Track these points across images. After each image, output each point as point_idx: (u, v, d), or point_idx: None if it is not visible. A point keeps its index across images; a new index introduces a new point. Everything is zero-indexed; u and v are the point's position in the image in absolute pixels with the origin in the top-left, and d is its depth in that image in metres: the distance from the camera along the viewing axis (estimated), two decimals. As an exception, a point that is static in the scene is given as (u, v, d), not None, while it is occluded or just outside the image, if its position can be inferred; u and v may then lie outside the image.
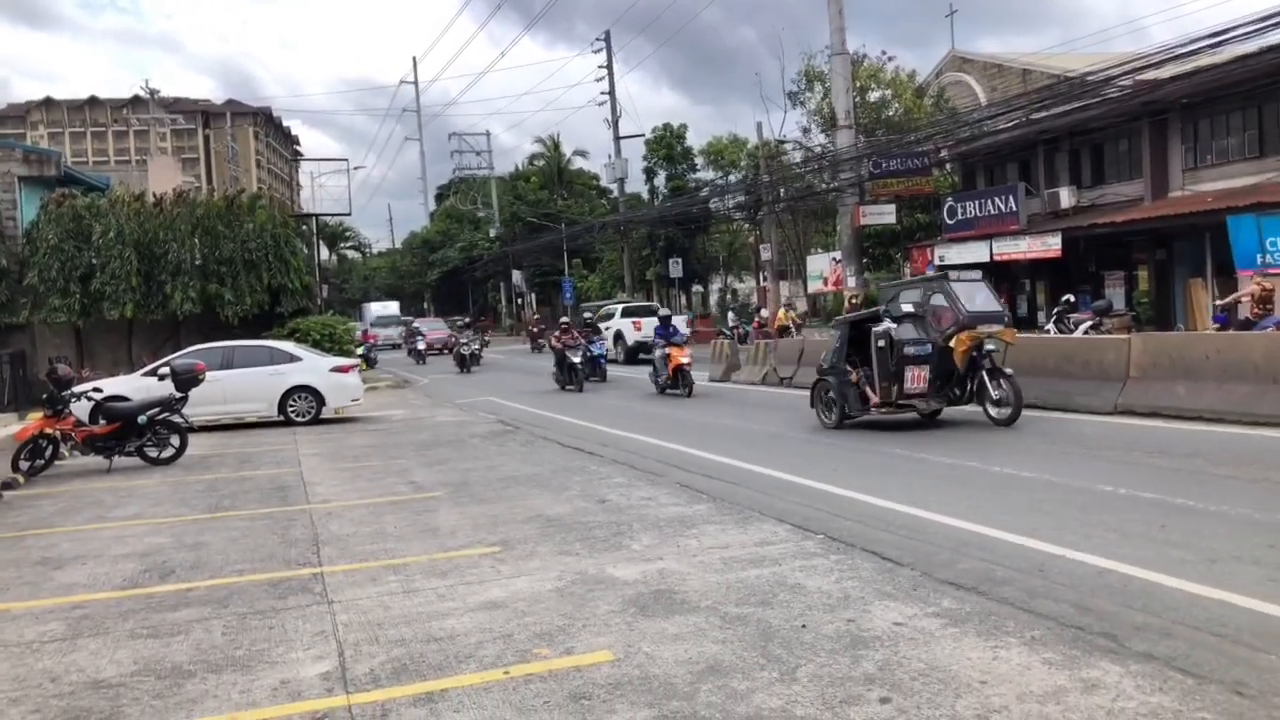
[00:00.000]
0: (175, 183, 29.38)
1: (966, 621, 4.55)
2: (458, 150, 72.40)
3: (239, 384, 16.03)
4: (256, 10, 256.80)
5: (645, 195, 52.66)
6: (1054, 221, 26.57)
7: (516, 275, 62.02)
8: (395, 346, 48.95)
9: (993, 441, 10.25)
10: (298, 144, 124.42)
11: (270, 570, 6.36)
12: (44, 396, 12.15)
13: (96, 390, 12.86)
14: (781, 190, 35.74)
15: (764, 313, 31.15)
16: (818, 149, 35.37)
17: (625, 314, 30.84)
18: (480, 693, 4.00)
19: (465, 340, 30.05)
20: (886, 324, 11.21)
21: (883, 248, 35.59)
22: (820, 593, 5.14)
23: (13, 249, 21.41)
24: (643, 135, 49.70)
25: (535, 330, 41.89)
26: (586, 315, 29.71)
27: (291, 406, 16.40)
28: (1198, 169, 24.11)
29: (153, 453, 12.04)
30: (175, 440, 12.20)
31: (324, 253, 54.00)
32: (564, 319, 24.46)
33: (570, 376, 20.39)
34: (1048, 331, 18.76)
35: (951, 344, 11.24)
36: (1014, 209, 27.15)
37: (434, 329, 43.48)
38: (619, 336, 29.61)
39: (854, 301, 26.65)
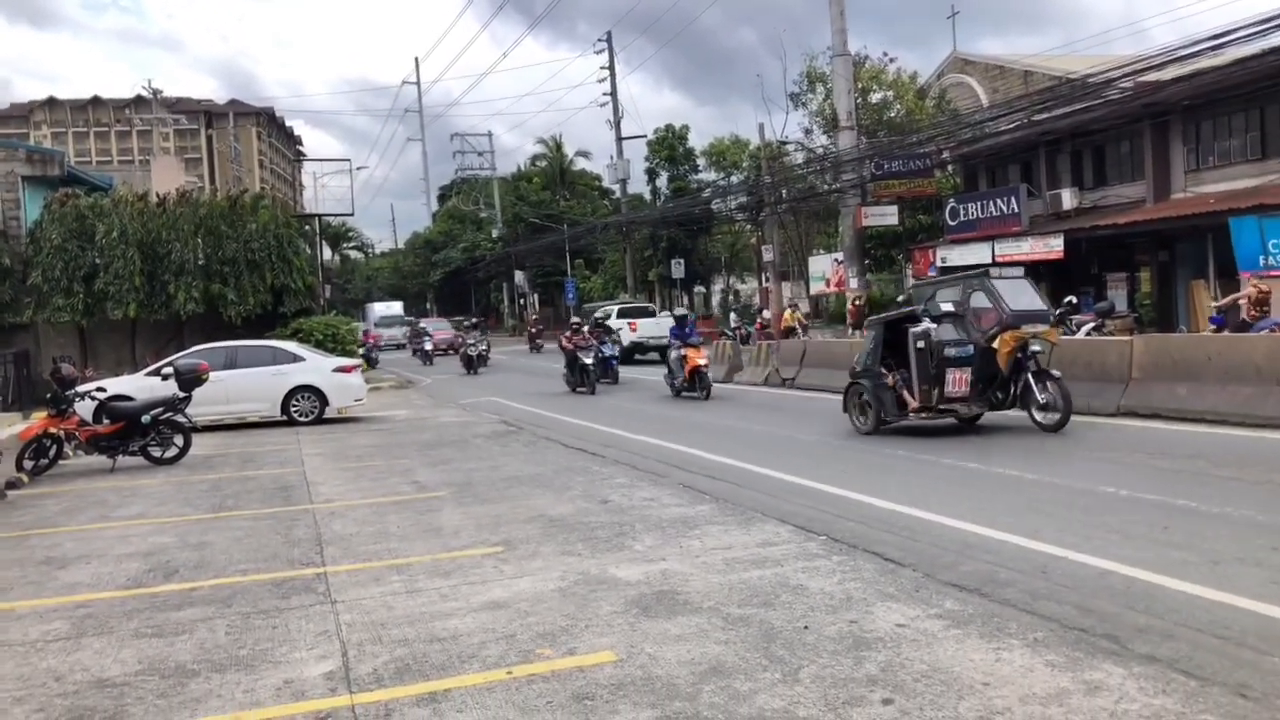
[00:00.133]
0: (178, 182, 29.44)
1: (969, 623, 4.56)
2: (460, 151, 72.39)
3: (242, 384, 16.05)
4: (258, 10, 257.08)
5: (647, 196, 52.65)
6: (1056, 223, 26.55)
7: (519, 276, 62.05)
8: (399, 347, 48.94)
9: (995, 443, 10.25)
10: (300, 144, 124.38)
11: (274, 570, 6.37)
12: (48, 396, 12.17)
13: (100, 390, 12.87)
14: (783, 191, 35.72)
15: (766, 314, 31.14)
16: (820, 150, 35.37)
17: (621, 315, 31.19)
18: (483, 693, 4.01)
19: (473, 341, 29.57)
20: (926, 324, 10.70)
21: (885, 249, 35.57)
22: (823, 594, 5.14)
23: (16, 249, 21.45)
24: (645, 136, 49.81)
25: (534, 331, 42.48)
26: (598, 315, 29.68)
27: (294, 406, 16.41)
28: (1200, 170, 24.10)
29: (156, 452, 12.06)
30: (179, 440, 12.22)
31: (327, 253, 54.02)
32: (575, 319, 24.15)
33: (582, 378, 19.86)
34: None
35: (994, 345, 10.71)
36: (1016, 210, 27.14)
37: (440, 329, 43.45)
38: None
39: (857, 303, 26.66)
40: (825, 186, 32.26)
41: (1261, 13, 17.62)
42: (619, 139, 46.50)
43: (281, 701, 4.07)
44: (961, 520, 6.69)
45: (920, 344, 10.56)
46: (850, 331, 26.16)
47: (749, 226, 45.22)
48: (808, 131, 37.67)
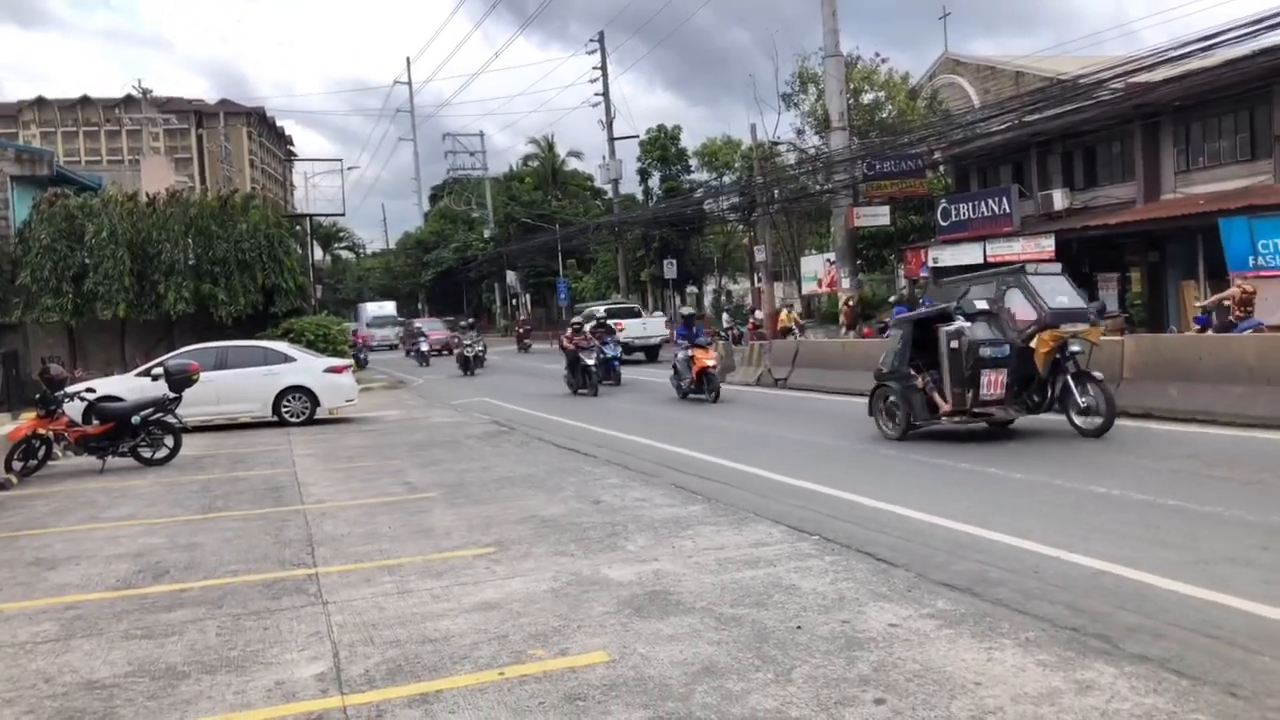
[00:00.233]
0: (168, 182, 29.29)
1: (961, 623, 4.56)
2: (451, 151, 72.20)
3: (233, 384, 15.99)
4: (249, 10, 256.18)
5: (640, 196, 52.69)
6: (1047, 223, 26.64)
7: (511, 276, 61.94)
8: (392, 347, 48.77)
9: (987, 445, 10.24)
10: (291, 144, 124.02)
11: (264, 571, 6.34)
12: (37, 396, 12.11)
13: (90, 390, 12.81)
14: (776, 192, 35.75)
15: (759, 314, 31.15)
16: (811, 151, 35.41)
17: (608, 315, 31.01)
18: (475, 694, 4.00)
19: (469, 341, 29.02)
20: (959, 323, 10.12)
21: (877, 249, 35.64)
22: (815, 594, 5.15)
23: (5, 249, 21.34)
24: (637, 136, 49.80)
25: (521, 331, 42.55)
26: (599, 314, 29.69)
27: (285, 407, 16.36)
28: (1190, 171, 24.20)
29: (146, 453, 12.01)
30: (169, 441, 12.17)
31: (318, 253, 53.75)
32: (575, 319, 23.74)
33: (584, 380, 19.32)
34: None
35: (1032, 344, 10.25)
36: (1007, 211, 27.21)
37: (434, 329, 43.29)
38: None
39: (850, 304, 26.72)
40: (817, 187, 32.32)
41: (1250, 14, 17.75)
42: (611, 139, 46.51)
43: (272, 703, 4.05)
44: (954, 520, 6.70)
45: (954, 344, 9.99)
46: (844, 332, 26.21)
47: (741, 227, 45.24)
48: (800, 132, 37.71)
